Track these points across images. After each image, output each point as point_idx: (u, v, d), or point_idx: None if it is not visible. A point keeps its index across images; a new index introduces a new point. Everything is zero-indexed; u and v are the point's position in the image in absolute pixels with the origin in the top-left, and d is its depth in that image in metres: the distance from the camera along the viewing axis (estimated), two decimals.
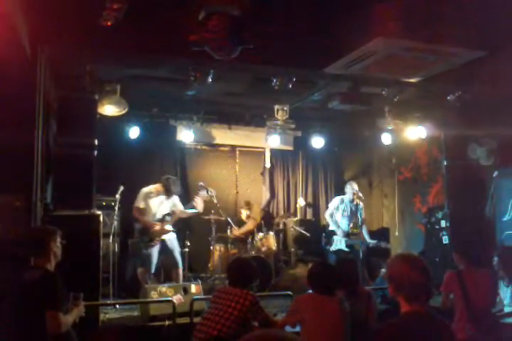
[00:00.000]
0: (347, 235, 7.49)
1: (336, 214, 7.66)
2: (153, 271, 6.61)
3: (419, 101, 7.26)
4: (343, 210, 7.63)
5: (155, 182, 6.95)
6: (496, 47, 5.19)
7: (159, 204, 6.78)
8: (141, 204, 6.68)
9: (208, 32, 4.50)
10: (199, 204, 6.86)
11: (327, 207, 9.42)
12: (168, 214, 6.74)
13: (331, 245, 7.57)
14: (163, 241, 6.66)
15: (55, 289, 3.17)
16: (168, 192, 6.81)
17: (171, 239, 6.74)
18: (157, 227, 6.59)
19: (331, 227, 7.64)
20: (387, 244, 8.35)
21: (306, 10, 5.06)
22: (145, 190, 6.77)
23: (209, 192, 7.04)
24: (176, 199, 6.95)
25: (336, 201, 7.80)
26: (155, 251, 6.59)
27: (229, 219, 7.65)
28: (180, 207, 6.94)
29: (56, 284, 3.19)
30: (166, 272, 7.07)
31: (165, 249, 6.66)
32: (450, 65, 5.63)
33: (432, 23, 4.86)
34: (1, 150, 3.98)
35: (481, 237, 6.55)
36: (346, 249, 7.39)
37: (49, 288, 3.16)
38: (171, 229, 6.75)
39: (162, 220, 6.68)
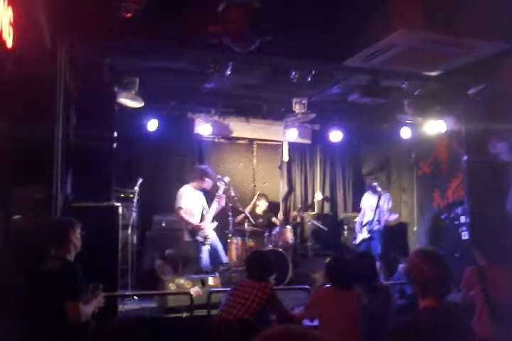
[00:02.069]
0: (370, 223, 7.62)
1: (366, 211, 7.84)
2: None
3: (439, 94, 7.15)
4: (368, 202, 7.84)
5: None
6: None
7: (196, 201, 6.83)
8: (183, 204, 6.65)
9: (227, 23, 4.49)
10: (222, 200, 6.91)
11: (344, 201, 9.57)
12: (203, 211, 6.82)
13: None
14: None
15: (76, 280, 3.21)
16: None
17: (212, 234, 6.79)
18: (203, 227, 6.61)
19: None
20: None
21: (327, 2, 5.01)
22: (183, 188, 6.78)
23: (225, 184, 7.07)
24: (202, 195, 7.00)
25: (363, 199, 8.06)
26: (205, 251, 6.60)
27: (246, 212, 7.66)
28: (204, 203, 6.97)
29: (77, 275, 3.22)
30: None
31: (213, 247, 6.73)
32: (472, 58, 5.53)
33: (455, 14, 4.76)
34: (22, 142, 4.00)
35: (502, 233, 6.45)
36: (368, 235, 7.54)
37: (69, 279, 3.19)
38: (215, 223, 6.81)
39: (203, 219, 6.72)
